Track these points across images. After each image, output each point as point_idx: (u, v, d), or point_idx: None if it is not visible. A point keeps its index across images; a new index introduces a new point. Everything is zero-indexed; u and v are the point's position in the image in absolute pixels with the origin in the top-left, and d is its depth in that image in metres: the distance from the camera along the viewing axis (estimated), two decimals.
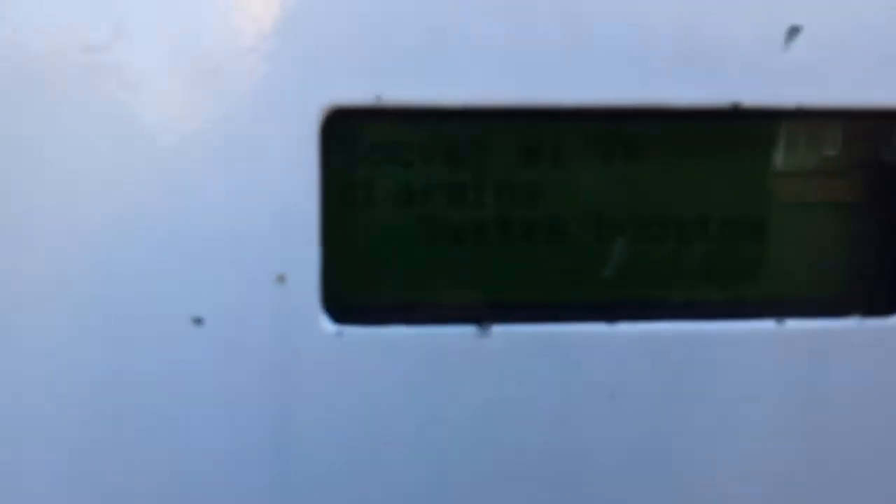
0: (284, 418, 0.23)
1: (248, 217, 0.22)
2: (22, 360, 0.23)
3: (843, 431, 0.25)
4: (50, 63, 0.21)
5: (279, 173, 0.22)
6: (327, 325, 0.23)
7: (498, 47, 0.22)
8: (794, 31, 0.23)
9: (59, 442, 0.23)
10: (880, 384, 0.25)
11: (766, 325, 0.25)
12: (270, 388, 0.23)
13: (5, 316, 0.22)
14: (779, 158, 0.25)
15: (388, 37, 0.22)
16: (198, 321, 0.23)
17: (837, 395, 0.25)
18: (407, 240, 0.24)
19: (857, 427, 0.25)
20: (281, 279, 0.23)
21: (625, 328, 0.24)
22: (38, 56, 0.21)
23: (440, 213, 0.24)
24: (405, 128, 0.23)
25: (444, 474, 0.24)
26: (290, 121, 0.22)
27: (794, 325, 0.25)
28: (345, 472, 0.23)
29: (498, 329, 0.24)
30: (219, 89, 0.22)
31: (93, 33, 0.21)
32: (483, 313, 0.24)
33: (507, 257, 0.24)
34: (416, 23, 0.22)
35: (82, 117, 0.21)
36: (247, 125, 0.22)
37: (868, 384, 0.25)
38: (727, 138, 0.24)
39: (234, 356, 0.23)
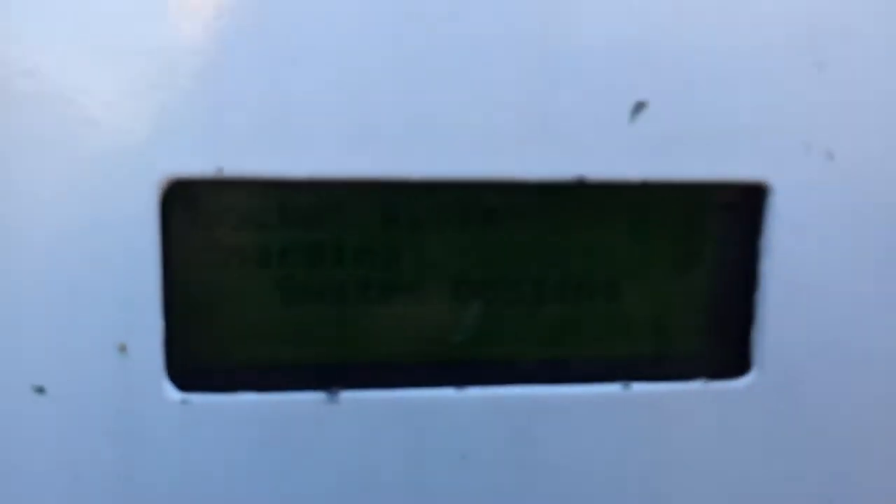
0: (129, 491, 0.23)
1: (89, 287, 0.22)
2: None
3: (685, 497, 0.26)
4: None
5: (119, 243, 0.22)
6: (171, 392, 0.23)
7: (342, 121, 0.23)
8: (639, 107, 0.23)
9: None
10: (726, 448, 0.26)
11: (613, 388, 0.25)
12: (115, 459, 0.23)
13: None
14: (628, 226, 0.25)
15: (230, 110, 0.22)
16: (39, 390, 0.23)
17: (682, 459, 0.26)
18: (255, 304, 0.24)
19: (700, 492, 0.26)
20: (122, 348, 0.23)
21: (474, 392, 0.25)
22: None
23: (291, 276, 0.24)
24: (250, 197, 0.24)
25: None
26: (128, 192, 0.22)
27: (639, 388, 0.25)
28: None
29: (346, 395, 0.24)
30: (57, 157, 0.22)
31: None
32: (332, 379, 0.24)
33: (358, 321, 0.25)
34: (259, 96, 0.22)
35: None
36: (86, 196, 0.22)
37: (713, 448, 0.26)
38: (575, 208, 0.25)
39: (77, 426, 0.23)
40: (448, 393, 0.25)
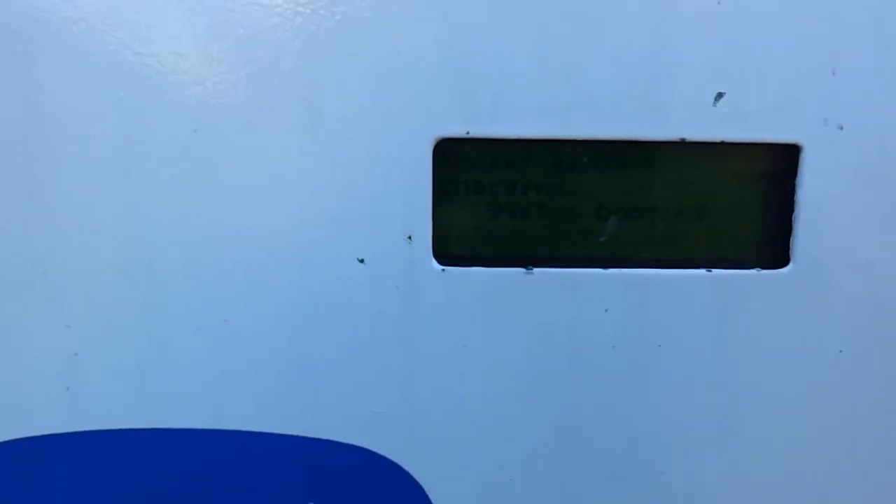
0: (413, 323, 0.39)
1: (393, 201, 0.38)
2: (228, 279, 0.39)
3: (747, 346, 0.41)
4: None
5: (411, 176, 0.38)
6: (435, 265, 0.39)
7: (531, 104, 0.38)
8: (719, 96, 0.39)
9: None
10: (772, 315, 0.40)
11: (701, 272, 0.40)
12: (401, 303, 0.39)
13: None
14: (712, 170, 0.40)
15: (473, 99, 0.38)
16: (361, 261, 0.39)
17: (742, 321, 0.40)
18: (481, 216, 0.40)
19: (757, 345, 0.41)
20: (410, 238, 0.39)
21: (614, 272, 0.40)
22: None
23: (496, 201, 0.40)
24: (482, 149, 0.39)
25: (499, 359, 0.40)
26: (416, 145, 0.38)
27: (718, 273, 0.40)
28: (450, 347, 0.40)
29: (538, 271, 0.40)
30: (383, 125, 0.38)
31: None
32: (527, 261, 0.40)
33: (543, 228, 0.40)
34: (486, 89, 0.37)
35: (297, 134, 0.37)
36: (395, 146, 0.38)
37: (765, 314, 0.40)
38: (679, 159, 0.40)
39: (381, 285, 0.39)
40: (597, 271, 0.40)
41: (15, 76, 0.35)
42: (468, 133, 0.38)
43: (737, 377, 0.41)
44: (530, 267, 0.39)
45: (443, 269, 0.39)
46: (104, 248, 0.37)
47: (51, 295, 0.38)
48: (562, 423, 0.41)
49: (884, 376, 0.42)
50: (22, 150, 0.36)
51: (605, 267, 0.40)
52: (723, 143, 0.39)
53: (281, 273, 0.38)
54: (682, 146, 0.39)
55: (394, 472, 0.40)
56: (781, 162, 0.40)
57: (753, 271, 0.40)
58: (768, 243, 0.41)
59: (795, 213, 0.40)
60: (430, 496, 0.41)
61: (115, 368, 0.39)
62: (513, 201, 0.40)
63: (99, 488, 0.39)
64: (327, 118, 0.37)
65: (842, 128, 0.39)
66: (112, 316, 0.38)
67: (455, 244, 0.40)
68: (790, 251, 0.40)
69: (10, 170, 0.36)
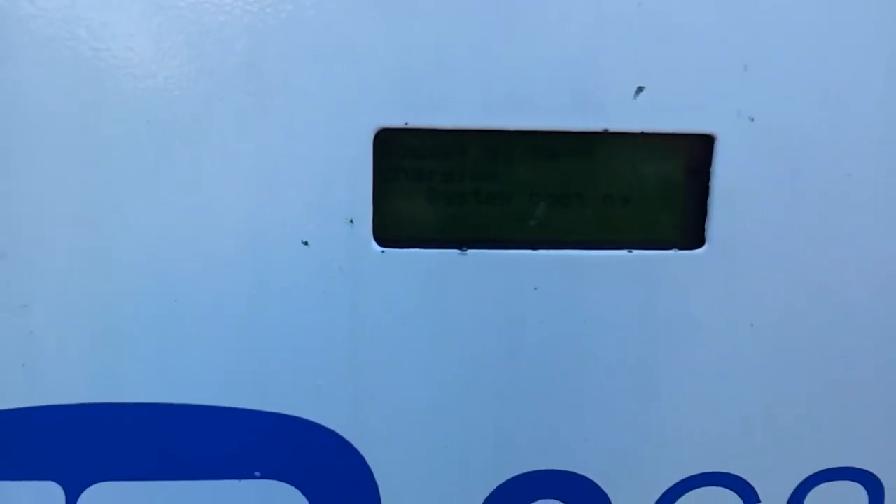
0: (355, 303, 0.42)
1: (335, 189, 0.40)
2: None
3: (666, 321, 0.44)
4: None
5: (353, 164, 0.40)
6: (376, 247, 0.42)
7: (466, 96, 0.40)
8: (639, 90, 0.41)
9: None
10: (691, 291, 0.44)
11: (624, 253, 0.43)
12: (344, 283, 0.41)
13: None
14: (635, 159, 0.43)
15: (412, 92, 0.40)
16: (305, 243, 0.41)
17: (663, 297, 0.44)
18: (419, 201, 0.42)
19: (676, 319, 0.44)
20: (352, 222, 0.41)
21: (542, 252, 0.43)
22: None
23: (434, 187, 0.42)
24: (420, 139, 0.42)
25: (436, 334, 0.43)
26: (357, 134, 0.40)
27: (638, 253, 0.43)
28: (389, 324, 0.42)
29: (472, 252, 0.42)
30: (327, 116, 0.40)
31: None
32: (463, 243, 0.42)
33: (477, 212, 0.43)
34: (424, 83, 0.40)
35: (245, 124, 0.40)
36: (337, 138, 0.40)
37: (682, 291, 0.44)
38: (603, 148, 0.43)
39: (325, 265, 0.41)
40: (527, 252, 0.43)
41: None
42: (406, 123, 0.40)
43: (657, 348, 0.44)
44: (464, 248, 0.42)
45: (383, 251, 0.41)
46: (61, 232, 0.39)
47: (8, 277, 0.39)
48: (497, 393, 0.44)
49: (790, 347, 0.45)
50: None
51: (535, 248, 0.43)
52: (643, 134, 0.42)
53: (230, 255, 0.41)
54: (607, 137, 0.42)
55: (337, 443, 0.43)
56: (697, 151, 0.43)
57: (672, 252, 0.43)
58: (686, 226, 0.44)
59: (710, 198, 0.43)
60: (371, 466, 0.43)
61: (70, 346, 0.41)
62: (449, 187, 0.42)
63: (54, 460, 0.41)
64: (273, 109, 0.39)
65: (753, 119, 0.42)
66: (68, 296, 0.40)
67: (394, 227, 0.42)
68: (705, 233, 0.43)
69: None
